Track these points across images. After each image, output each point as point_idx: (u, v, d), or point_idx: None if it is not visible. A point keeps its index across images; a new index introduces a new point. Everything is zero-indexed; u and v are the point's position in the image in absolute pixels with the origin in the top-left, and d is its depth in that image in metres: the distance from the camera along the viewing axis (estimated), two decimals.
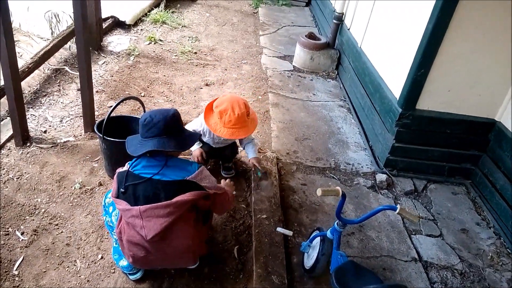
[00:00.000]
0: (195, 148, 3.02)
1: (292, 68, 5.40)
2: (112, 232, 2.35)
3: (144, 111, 3.11)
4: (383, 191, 3.45)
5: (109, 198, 2.27)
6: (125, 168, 2.19)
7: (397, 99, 3.41)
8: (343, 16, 5.29)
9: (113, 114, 2.83)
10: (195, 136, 2.40)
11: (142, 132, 2.20)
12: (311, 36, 5.39)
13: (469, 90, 3.25)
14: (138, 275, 2.38)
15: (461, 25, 2.96)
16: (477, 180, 3.53)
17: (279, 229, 2.64)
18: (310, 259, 2.51)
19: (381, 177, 3.52)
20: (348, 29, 5.10)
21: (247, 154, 3.20)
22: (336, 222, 2.32)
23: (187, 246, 2.16)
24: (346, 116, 4.46)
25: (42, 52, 3.92)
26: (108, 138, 2.80)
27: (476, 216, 3.31)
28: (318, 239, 2.49)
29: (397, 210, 2.11)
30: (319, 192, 2.08)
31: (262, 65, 5.33)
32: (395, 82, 3.51)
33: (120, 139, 2.84)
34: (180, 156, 2.40)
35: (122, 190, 2.11)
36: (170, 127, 2.19)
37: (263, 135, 3.90)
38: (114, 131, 2.94)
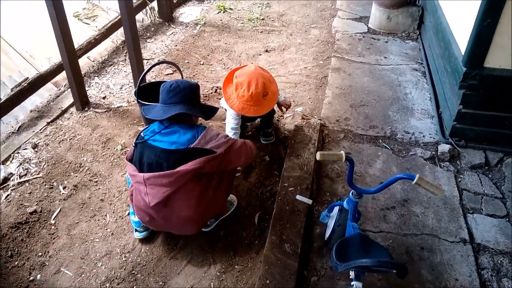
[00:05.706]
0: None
1: (366, 30, 4.96)
2: None
3: (182, 76, 3.15)
4: (444, 163, 3.02)
5: None
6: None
7: (462, 56, 2.90)
8: None
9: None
10: (216, 108, 2.42)
11: (166, 98, 2.20)
12: None
13: None
14: (141, 235, 2.44)
15: None
16: None
17: (298, 196, 2.49)
18: (328, 230, 2.33)
19: (444, 147, 3.08)
20: None
21: None
22: (351, 192, 2.10)
23: (188, 216, 2.16)
24: (418, 81, 3.97)
25: (109, 24, 4.20)
26: (143, 102, 2.90)
27: None
28: (336, 209, 2.29)
29: (415, 180, 1.82)
30: (318, 156, 1.88)
31: (332, 28, 4.99)
32: (462, 37, 2.98)
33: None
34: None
35: (133, 145, 2.23)
36: (194, 95, 2.25)
37: (314, 102, 3.68)
38: (157, 96, 3.02)
